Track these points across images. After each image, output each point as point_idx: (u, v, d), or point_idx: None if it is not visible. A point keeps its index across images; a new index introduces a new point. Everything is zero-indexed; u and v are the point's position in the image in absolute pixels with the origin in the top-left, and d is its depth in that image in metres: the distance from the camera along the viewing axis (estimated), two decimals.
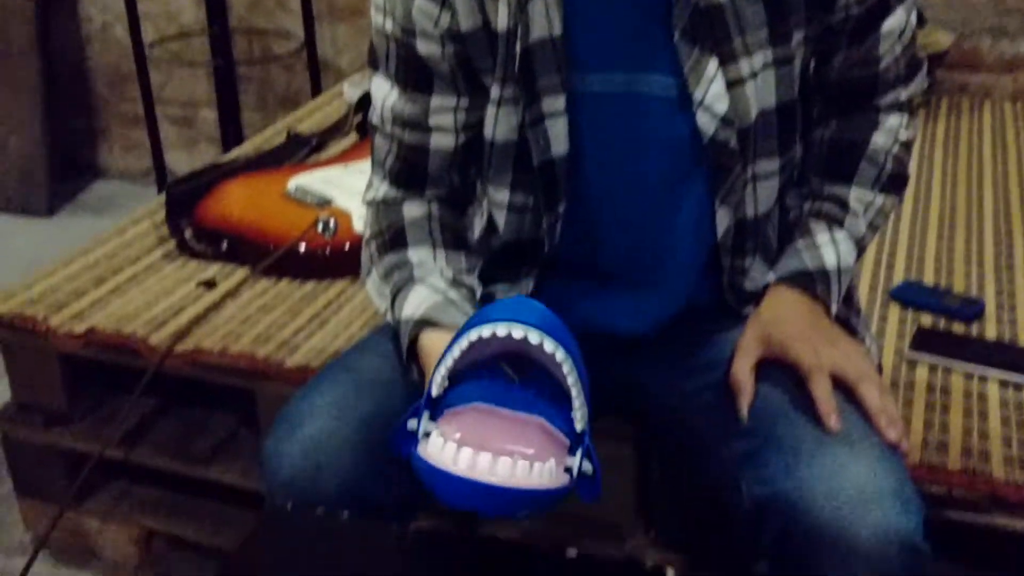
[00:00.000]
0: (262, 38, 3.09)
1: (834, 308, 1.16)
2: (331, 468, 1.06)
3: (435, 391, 0.92)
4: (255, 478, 1.62)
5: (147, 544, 1.78)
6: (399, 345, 1.14)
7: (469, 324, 0.91)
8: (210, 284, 1.73)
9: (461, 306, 1.12)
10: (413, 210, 1.22)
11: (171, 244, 1.86)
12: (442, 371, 0.92)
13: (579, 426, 0.91)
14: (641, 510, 1.47)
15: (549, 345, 0.88)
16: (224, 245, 1.79)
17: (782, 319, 1.12)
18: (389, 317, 1.17)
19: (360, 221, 1.61)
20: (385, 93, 1.20)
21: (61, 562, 1.78)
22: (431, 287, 1.14)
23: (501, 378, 0.93)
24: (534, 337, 0.87)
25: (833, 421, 1.03)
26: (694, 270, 1.20)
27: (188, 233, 1.84)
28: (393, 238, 1.20)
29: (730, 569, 1.24)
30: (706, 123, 1.09)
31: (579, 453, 0.91)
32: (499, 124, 1.14)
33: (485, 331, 0.88)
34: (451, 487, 0.86)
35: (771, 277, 1.18)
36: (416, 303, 1.12)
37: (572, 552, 0.96)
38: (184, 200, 1.87)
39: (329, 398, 1.10)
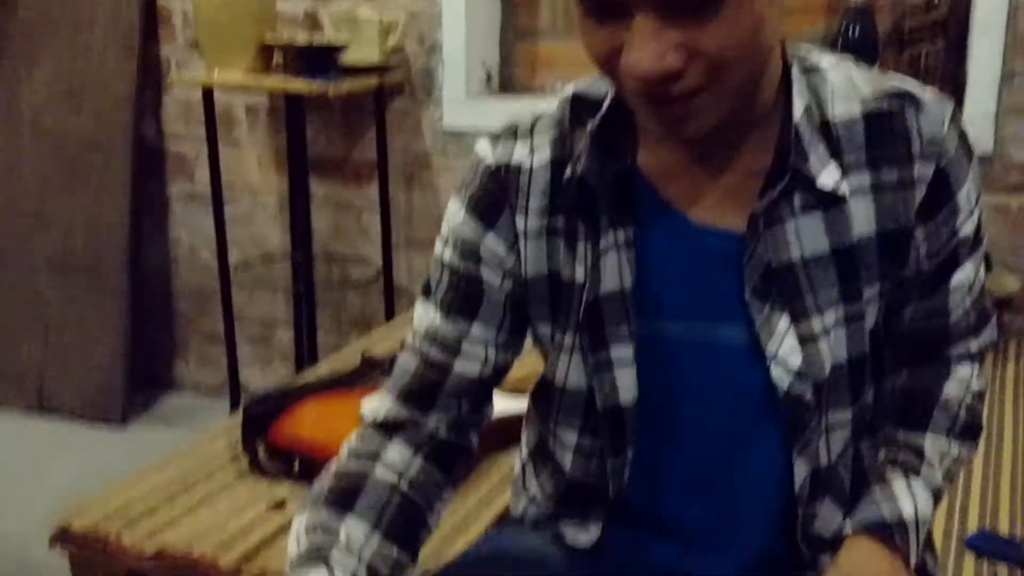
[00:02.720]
0: (341, 264, 3.21)
1: (913, 560, 1.14)
2: None
3: None
4: None
5: None
6: None
7: None
8: (280, 504, 1.75)
9: None
10: (384, 468, 1.14)
11: (244, 462, 1.88)
12: None
13: None
14: None
15: None
16: (296, 465, 1.81)
17: (861, 573, 1.11)
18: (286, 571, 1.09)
19: None
20: (426, 317, 1.18)
21: None
22: None
23: None
24: None
25: None
26: (766, 521, 1.18)
27: (261, 451, 1.86)
28: (345, 491, 1.12)
29: None
30: (780, 376, 1.09)
31: None
32: (571, 371, 1.15)
33: None
34: None
35: (848, 528, 1.16)
36: None
37: None
38: (260, 419, 1.90)
39: None
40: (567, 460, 1.20)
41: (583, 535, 1.23)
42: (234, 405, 3.08)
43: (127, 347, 3.21)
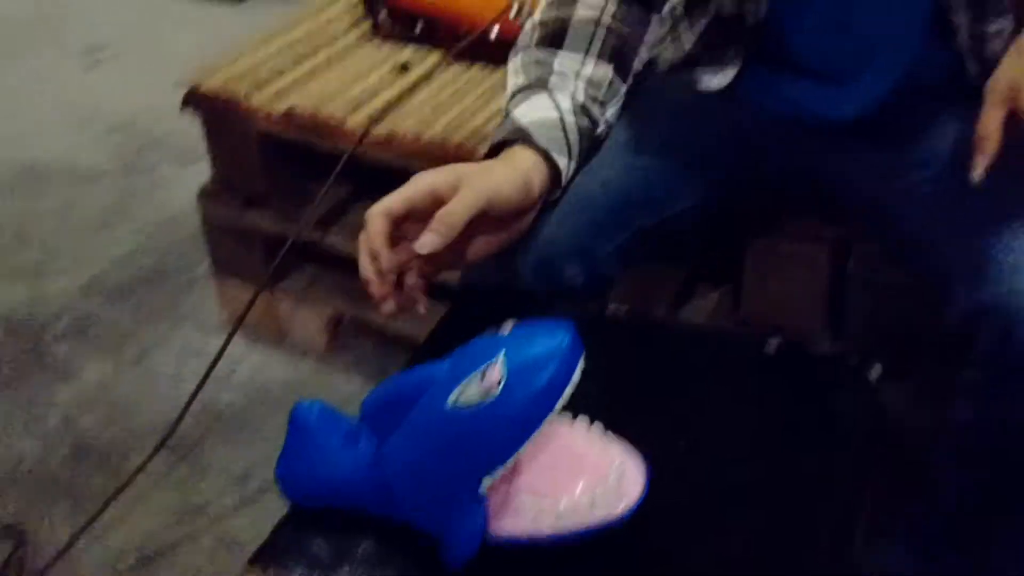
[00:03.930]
0: None
1: None
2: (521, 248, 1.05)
3: None
4: None
5: (335, 327, 1.83)
6: None
7: None
8: (405, 67, 1.70)
9: (569, 135, 1.06)
10: (584, 8, 1.14)
11: (366, 26, 1.83)
12: None
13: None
14: (831, 318, 1.42)
15: None
16: (418, 27, 1.75)
17: None
18: (507, 98, 1.11)
19: None
20: None
21: (254, 341, 1.84)
22: (555, 102, 1.07)
23: None
24: None
25: None
26: (912, 37, 1.08)
27: (383, 15, 1.80)
28: (552, 34, 1.13)
29: (932, 377, 1.19)
30: None
31: None
32: None
33: None
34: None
35: None
36: (530, 109, 1.06)
37: (772, 344, 0.91)
38: None
39: None
40: None
41: (718, 77, 1.18)
42: None
43: None
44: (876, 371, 0.91)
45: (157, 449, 1.52)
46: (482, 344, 0.75)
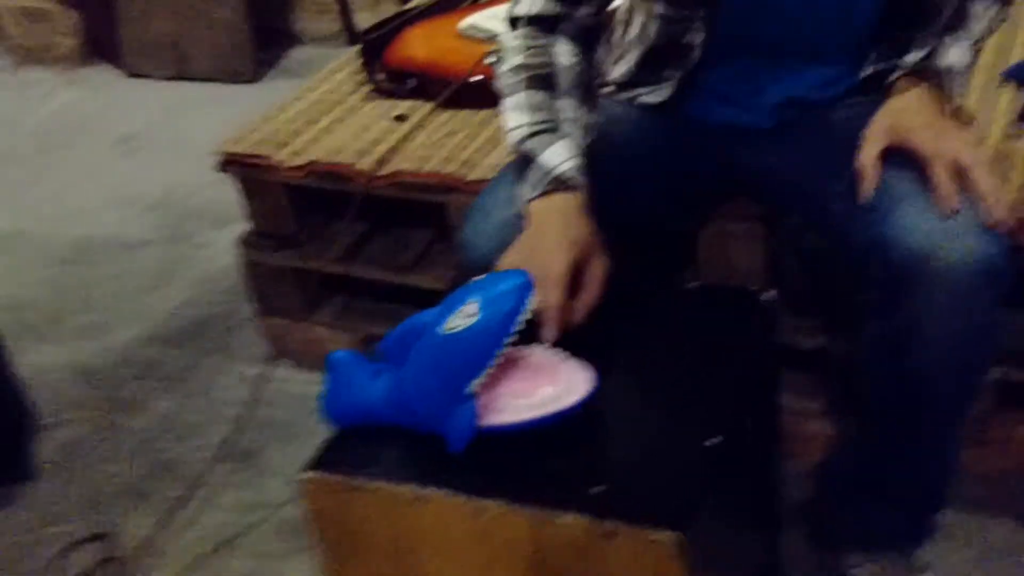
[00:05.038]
0: None
1: (956, 101, 1.28)
2: None
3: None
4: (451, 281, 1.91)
5: (368, 347, 2.09)
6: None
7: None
8: (402, 118, 1.99)
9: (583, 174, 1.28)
10: (562, 57, 1.35)
11: (365, 89, 2.12)
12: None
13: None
14: (773, 276, 1.65)
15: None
16: (411, 83, 2.04)
17: (907, 109, 1.25)
18: (521, 135, 1.30)
19: None
20: None
21: (298, 365, 2.11)
22: (572, 148, 1.28)
23: None
24: None
25: (952, 202, 1.16)
26: (840, 60, 1.37)
27: (380, 76, 2.09)
28: (546, 78, 1.33)
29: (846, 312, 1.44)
30: None
31: None
32: None
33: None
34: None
35: (896, 73, 1.30)
36: (562, 155, 1.26)
37: (693, 285, 1.19)
38: (375, 47, 2.11)
39: (512, 190, 1.31)
40: (653, 29, 1.39)
41: (654, 95, 1.44)
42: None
43: (246, 6, 3.40)
44: (770, 295, 1.18)
45: (220, 454, 1.78)
46: (461, 291, 1.03)
